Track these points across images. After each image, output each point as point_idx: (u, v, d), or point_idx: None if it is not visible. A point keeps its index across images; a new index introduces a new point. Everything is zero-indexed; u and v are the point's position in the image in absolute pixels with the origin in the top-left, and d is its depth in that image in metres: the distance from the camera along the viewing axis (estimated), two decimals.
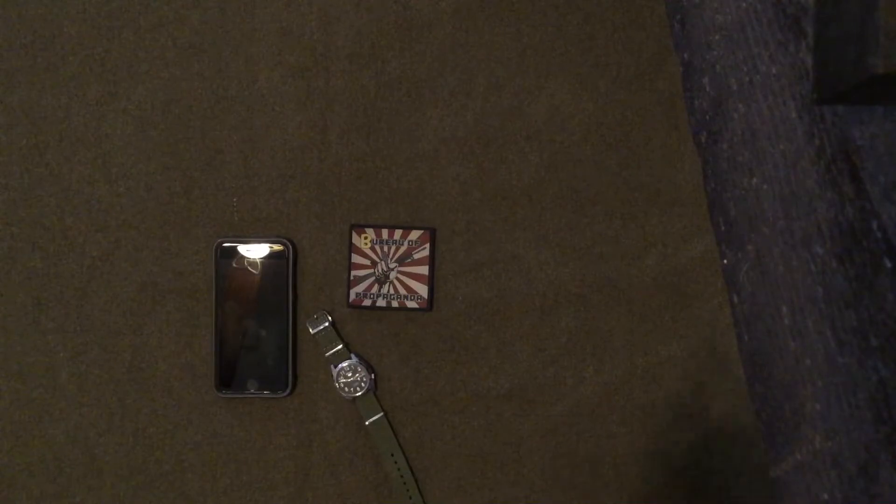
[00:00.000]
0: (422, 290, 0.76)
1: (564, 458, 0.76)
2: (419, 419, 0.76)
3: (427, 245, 0.76)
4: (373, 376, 0.76)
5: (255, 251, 0.75)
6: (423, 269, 0.76)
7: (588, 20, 0.77)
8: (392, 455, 0.75)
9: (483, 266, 0.76)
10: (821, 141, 0.57)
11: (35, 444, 0.77)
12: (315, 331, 0.76)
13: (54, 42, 0.77)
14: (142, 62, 0.77)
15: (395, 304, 0.76)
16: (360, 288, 0.76)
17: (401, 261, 0.76)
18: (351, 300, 0.76)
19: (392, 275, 0.76)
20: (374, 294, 0.76)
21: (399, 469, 0.75)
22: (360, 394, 0.75)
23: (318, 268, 0.77)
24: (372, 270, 0.76)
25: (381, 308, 0.76)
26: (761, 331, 0.68)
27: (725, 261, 0.73)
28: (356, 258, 0.76)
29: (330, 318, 0.76)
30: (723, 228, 0.73)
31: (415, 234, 0.76)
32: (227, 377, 0.76)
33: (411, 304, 0.76)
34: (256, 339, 0.76)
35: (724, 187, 0.72)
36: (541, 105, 0.76)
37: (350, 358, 0.75)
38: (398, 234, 0.76)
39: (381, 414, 0.75)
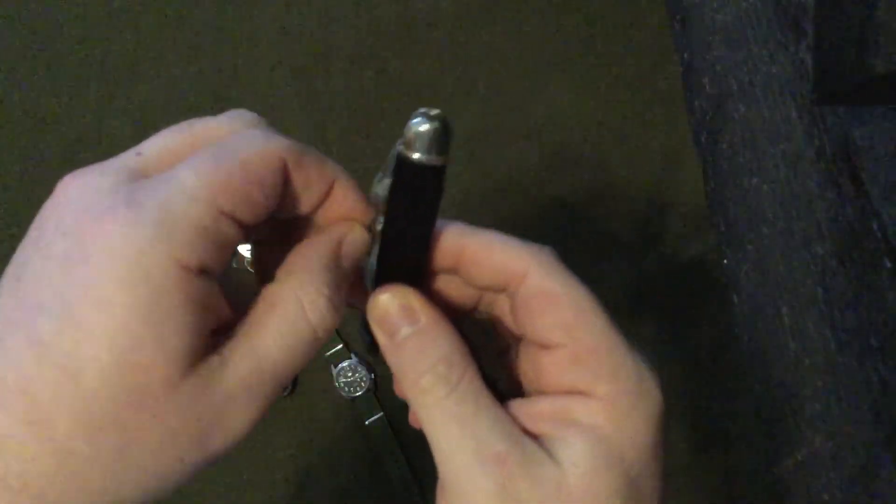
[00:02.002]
0: None
1: None
2: None
3: None
4: (373, 376, 0.76)
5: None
6: None
7: (588, 20, 0.77)
8: (392, 455, 0.75)
9: None
10: (821, 141, 0.57)
11: None
12: None
13: (54, 42, 0.77)
14: (142, 62, 0.77)
15: None
16: None
17: None
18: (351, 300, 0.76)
19: None
20: None
21: (399, 469, 0.75)
22: (360, 394, 0.75)
23: None
24: None
25: None
26: (761, 331, 0.68)
27: (725, 261, 0.73)
28: None
29: None
30: (723, 228, 0.73)
31: None
32: None
33: None
34: None
35: (724, 187, 0.72)
36: (541, 105, 0.76)
37: (350, 358, 0.75)
38: None
39: (381, 414, 0.75)
